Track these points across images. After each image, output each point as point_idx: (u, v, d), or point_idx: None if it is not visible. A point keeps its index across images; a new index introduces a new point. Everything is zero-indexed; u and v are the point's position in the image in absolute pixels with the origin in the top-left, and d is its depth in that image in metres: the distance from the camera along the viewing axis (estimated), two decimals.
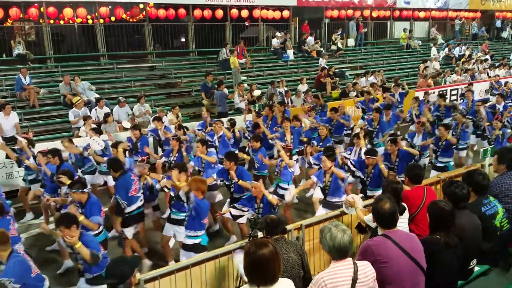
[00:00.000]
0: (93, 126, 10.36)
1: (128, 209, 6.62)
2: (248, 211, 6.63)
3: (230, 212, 6.80)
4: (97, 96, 12.98)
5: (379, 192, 6.68)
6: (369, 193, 7.47)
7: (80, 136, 10.49)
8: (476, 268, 4.31)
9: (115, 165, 6.87)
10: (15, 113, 11.18)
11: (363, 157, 7.77)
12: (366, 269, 3.31)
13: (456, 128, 10.36)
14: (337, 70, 18.39)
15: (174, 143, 8.73)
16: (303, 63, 19.98)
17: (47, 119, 12.83)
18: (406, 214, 4.87)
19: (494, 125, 10.20)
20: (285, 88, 14.94)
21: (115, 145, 7.99)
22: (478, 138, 11.44)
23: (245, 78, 16.88)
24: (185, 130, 9.93)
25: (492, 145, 9.13)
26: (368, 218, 4.93)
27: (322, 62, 18.32)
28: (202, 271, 4.64)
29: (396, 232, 3.69)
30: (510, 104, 15.27)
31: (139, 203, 6.79)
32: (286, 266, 3.87)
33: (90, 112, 11.70)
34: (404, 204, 4.92)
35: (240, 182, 6.90)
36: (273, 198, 6.25)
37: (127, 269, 3.66)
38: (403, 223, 4.69)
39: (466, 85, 16.60)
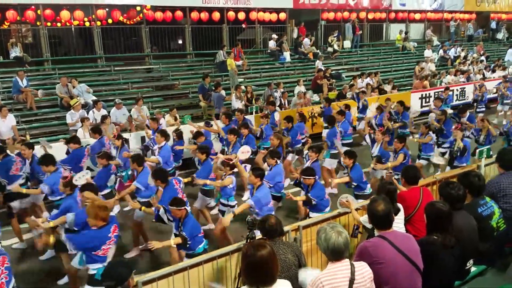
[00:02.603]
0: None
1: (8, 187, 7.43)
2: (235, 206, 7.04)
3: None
4: (95, 98, 12.98)
5: (317, 215, 6.46)
6: (311, 214, 6.82)
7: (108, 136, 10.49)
8: (473, 269, 4.33)
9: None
10: (12, 115, 11.16)
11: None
12: (363, 270, 3.33)
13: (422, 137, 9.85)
14: (333, 72, 18.43)
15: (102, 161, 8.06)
16: (299, 65, 20.02)
17: (44, 122, 12.82)
18: (401, 215, 4.89)
19: (454, 135, 9.32)
20: (282, 90, 14.98)
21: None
22: (440, 149, 10.28)
23: (242, 80, 16.91)
24: (124, 141, 9.48)
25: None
26: (364, 219, 4.95)
27: (319, 64, 18.38)
28: (200, 273, 4.64)
29: (393, 233, 3.71)
30: (481, 109, 15.22)
31: (20, 181, 7.60)
32: (283, 267, 3.89)
33: (88, 114, 11.70)
34: (399, 205, 4.95)
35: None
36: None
37: (125, 271, 3.68)
38: (399, 223, 4.71)
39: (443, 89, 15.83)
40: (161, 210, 6.28)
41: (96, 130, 9.59)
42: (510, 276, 2.92)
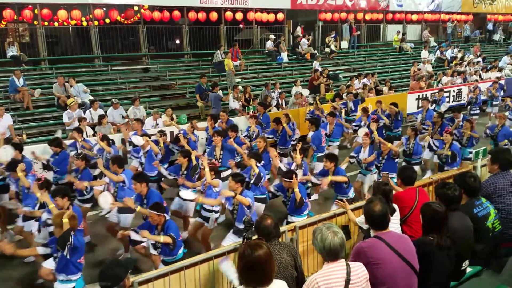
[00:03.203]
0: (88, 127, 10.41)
1: None
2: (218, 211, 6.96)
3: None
4: (91, 98, 12.96)
5: (300, 218, 6.46)
6: (289, 218, 6.78)
7: (74, 138, 10.45)
8: (469, 269, 4.35)
9: None
10: (8, 115, 11.12)
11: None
12: (359, 270, 3.34)
13: (408, 142, 9.51)
14: (330, 73, 18.46)
15: (79, 163, 7.99)
16: (297, 65, 20.04)
17: (41, 121, 12.79)
18: (396, 215, 4.91)
19: (444, 139, 9.09)
20: (279, 90, 14.98)
21: None
22: (432, 152, 9.87)
23: (240, 80, 16.91)
24: (110, 141, 9.34)
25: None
26: (360, 220, 4.97)
27: (316, 64, 18.40)
28: (196, 273, 4.64)
29: (389, 233, 3.73)
30: (475, 111, 14.97)
31: None
32: (279, 267, 3.89)
33: (84, 114, 11.68)
34: (395, 205, 4.97)
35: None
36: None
37: (121, 271, 3.67)
38: (394, 224, 4.74)
39: (438, 91, 15.70)
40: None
41: (104, 137, 9.41)
42: (504, 278, 2.93)
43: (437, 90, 15.72)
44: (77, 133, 9.68)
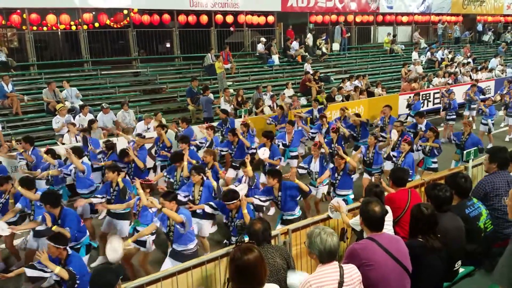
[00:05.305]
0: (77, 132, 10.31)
1: None
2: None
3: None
4: (81, 103, 12.87)
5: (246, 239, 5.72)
6: (233, 239, 5.98)
7: (64, 144, 10.37)
8: (461, 270, 4.35)
9: None
10: None
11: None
12: (352, 272, 3.33)
13: (368, 151, 9.14)
14: (322, 75, 18.50)
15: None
16: (288, 68, 20.07)
17: (30, 127, 12.68)
18: (389, 217, 4.90)
19: (401, 148, 8.56)
20: (271, 93, 14.98)
21: None
22: (389, 161, 9.01)
23: (231, 83, 16.90)
24: (55, 155, 8.70)
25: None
26: (354, 222, 4.95)
27: (307, 66, 18.43)
28: (188, 278, 4.60)
29: (382, 235, 3.71)
30: (451, 116, 14.30)
31: None
32: (271, 271, 3.87)
33: (74, 119, 11.59)
34: (387, 207, 4.96)
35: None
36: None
37: (112, 277, 3.64)
38: (388, 225, 4.72)
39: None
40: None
41: (49, 150, 8.71)
42: (496, 277, 2.92)
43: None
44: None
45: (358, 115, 11.51)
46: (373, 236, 3.68)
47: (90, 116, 11.67)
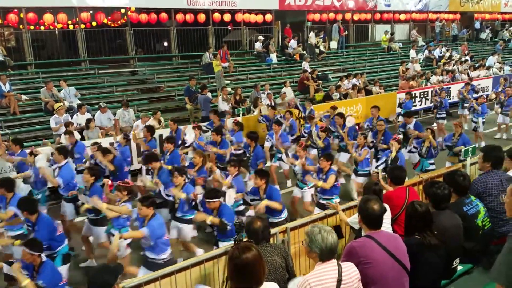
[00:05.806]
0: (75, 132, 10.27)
1: None
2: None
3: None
4: (79, 102, 12.85)
5: (230, 243, 5.31)
6: (220, 244, 5.80)
7: (61, 143, 10.34)
8: (459, 267, 4.35)
9: None
10: None
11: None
12: (350, 270, 3.33)
13: (357, 150, 8.92)
14: (319, 73, 18.49)
15: None
16: (286, 66, 20.06)
17: (28, 126, 12.64)
18: (388, 215, 4.90)
19: (390, 146, 8.42)
20: (268, 91, 14.97)
21: None
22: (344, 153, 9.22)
23: (229, 82, 16.88)
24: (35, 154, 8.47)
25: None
26: (352, 220, 4.96)
27: (305, 65, 18.42)
28: (187, 277, 4.60)
29: (380, 233, 3.71)
30: (442, 115, 14.15)
31: None
32: (270, 270, 3.87)
33: (72, 118, 11.56)
34: (386, 205, 4.96)
35: None
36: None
37: (110, 277, 3.63)
38: (386, 223, 4.72)
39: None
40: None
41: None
42: (493, 275, 2.93)
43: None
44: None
45: (341, 114, 11.06)
46: (371, 234, 3.68)
47: (87, 115, 11.65)
